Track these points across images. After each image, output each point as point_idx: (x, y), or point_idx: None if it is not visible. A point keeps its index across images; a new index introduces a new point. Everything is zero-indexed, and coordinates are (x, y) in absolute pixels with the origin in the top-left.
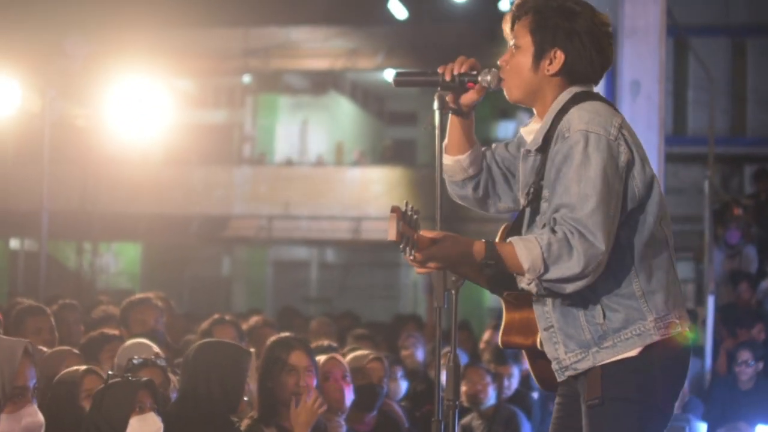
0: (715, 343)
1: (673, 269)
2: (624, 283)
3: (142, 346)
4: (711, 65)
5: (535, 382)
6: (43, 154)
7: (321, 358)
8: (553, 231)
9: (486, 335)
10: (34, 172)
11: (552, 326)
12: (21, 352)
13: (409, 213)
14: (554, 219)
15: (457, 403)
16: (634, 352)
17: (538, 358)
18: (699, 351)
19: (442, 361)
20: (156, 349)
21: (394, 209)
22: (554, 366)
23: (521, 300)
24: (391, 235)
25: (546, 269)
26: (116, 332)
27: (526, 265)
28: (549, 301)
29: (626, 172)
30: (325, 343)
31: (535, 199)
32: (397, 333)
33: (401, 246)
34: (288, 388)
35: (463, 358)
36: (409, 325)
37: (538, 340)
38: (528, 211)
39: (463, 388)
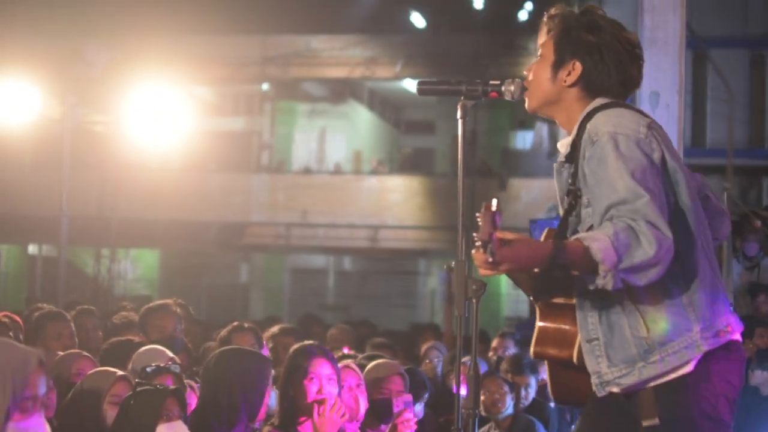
0: None
1: (715, 275)
2: (666, 292)
3: (156, 351)
4: (729, 77)
5: (551, 394)
6: (63, 160)
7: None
8: (614, 224)
9: (495, 342)
10: (54, 178)
11: (596, 339)
12: (35, 363)
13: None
14: (608, 218)
15: (476, 412)
16: (689, 368)
17: (567, 370)
18: None
19: (461, 371)
20: (170, 354)
21: (488, 209)
22: (594, 380)
23: (561, 308)
24: (484, 234)
25: (619, 258)
26: (141, 338)
27: (599, 257)
28: (595, 312)
29: (662, 170)
30: (343, 351)
31: (573, 207)
32: (415, 341)
33: (481, 245)
34: (309, 395)
35: (482, 368)
36: (427, 333)
37: (575, 353)
38: (568, 220)
39: (481, 398)
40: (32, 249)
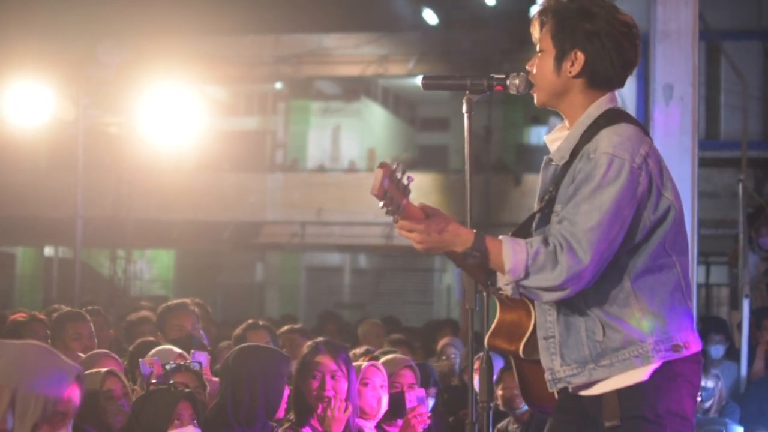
0: (750, 346)
1: (681, 294)
2: (623, 304)
3: (169, 352)
4: (743, 69)
5: (521, 396)
6: (77, 162)
7: (362, 364)
8: (546, 242)
9: None
10: (68, 180)
11: (552, 336)
12: (72, 379)
13: (400, 175)
14: (551, 229)
15: (491, 405)
16: (643, 376)
17: (523, 365)
18: (735, 355)
19: (475, 365)
20: (180, 353)
21: (382, 165)
22: (547, 376)
23: (517, 302)
24: (373, 189)
25: (526, 275)
26: (159, 338)
27: (507, 266)
28: (553, 311)
29: (639, 201)
30: (364, 347)
31: (547, 207)
32: (432, 337)
33: (382, 204)
34: (312, 391)
35: (499, 362)
36: (445, 329)
37: (522, 346)
38: (537, 217)
39: (499, 392)
40: (48, 251)
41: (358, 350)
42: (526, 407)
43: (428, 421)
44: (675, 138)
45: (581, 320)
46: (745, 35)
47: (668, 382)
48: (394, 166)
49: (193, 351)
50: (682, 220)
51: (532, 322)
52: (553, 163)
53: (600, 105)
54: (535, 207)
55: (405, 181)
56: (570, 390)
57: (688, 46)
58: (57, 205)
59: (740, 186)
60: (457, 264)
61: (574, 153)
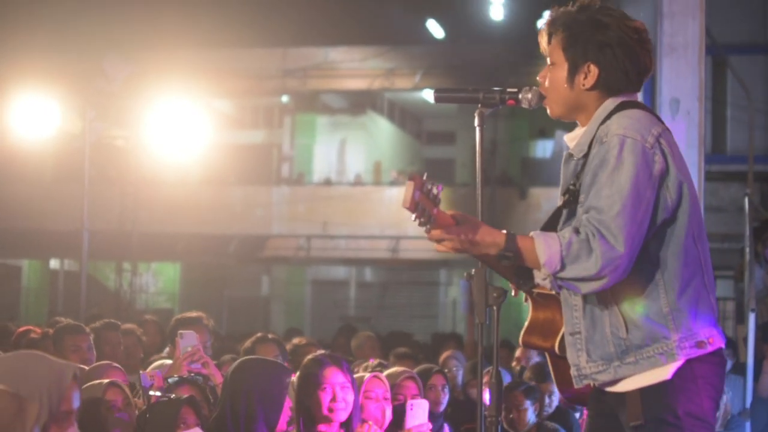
0: (756, 360)
1: (705, 289)
2: (650, 299)
3: (165, 366)
4: (749, 83)
5: (557, 389)
6: (83, 175)
7: (364, 376)
8: (577, 231)
9: (518, 352)
10: (74, 193)
11: (578, 332)
12: (70, 377)
13: (430, 186)
14: (581, 220)
15: (499, 419)
16: (666, 375)
17: (559, 361)
18: (741, 369)
19: (484, 379)
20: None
21: (413, 177)
22: (573, 372)
23: (549, 300)
24: (405, 201)
25: (563, 267)
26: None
27: (542, 260)
28: (579, 307)
29: (659, 181)
30: (375, 361)
31: (571, 201)
32: (437, 351)
33: (414, 216)
34: (323, 405)
35: (506, 378)
36: (449, 343)
37: (557, 343)
38: (564, 213)
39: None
40: (54, 263)
41: (370, 362)
42: (530, 424)
43: None
44: (681, 152)
45: (606, 316)
46: (751, 49)
47: (689, 383)
48: (424, 178)
49: (180, 332)
50: (698, 204)
51: None
52: (573, 158)
53: (616, 99)
54: (559, 202)
55: (435, 191)
56: (595, 385)
57: (695, 60)
58: (63, 217)
59: (746, 200)
60: (489, 265)
61: (592, 144)
